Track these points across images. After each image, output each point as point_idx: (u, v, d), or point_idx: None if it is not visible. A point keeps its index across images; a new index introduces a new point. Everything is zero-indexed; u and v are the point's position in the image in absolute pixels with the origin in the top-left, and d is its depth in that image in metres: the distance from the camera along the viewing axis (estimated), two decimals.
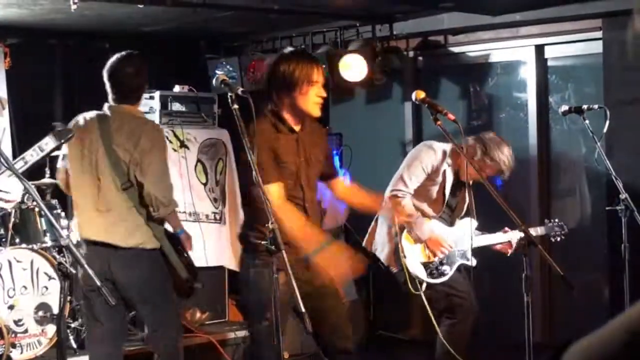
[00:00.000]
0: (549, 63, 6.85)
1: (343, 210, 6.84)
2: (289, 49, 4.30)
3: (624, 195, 4.85)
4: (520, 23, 6.63)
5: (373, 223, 5.39)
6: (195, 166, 6.77)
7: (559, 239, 5.55)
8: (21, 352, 5.30)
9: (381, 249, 5.29)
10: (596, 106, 5.14)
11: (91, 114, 4.59)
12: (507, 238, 5.25)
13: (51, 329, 5.36)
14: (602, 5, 5.96)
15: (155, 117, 6.50)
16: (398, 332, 7.32)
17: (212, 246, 6.74)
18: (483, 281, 6.33)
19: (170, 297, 4.63)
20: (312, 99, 3.98)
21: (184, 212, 6.53)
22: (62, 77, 7.15)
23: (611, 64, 6.11)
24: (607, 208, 5.52)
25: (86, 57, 7.24)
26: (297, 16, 6.78)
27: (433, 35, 7.16)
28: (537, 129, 6.81)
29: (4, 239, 5.52)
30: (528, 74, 6.88)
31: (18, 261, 5.36)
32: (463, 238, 5.23)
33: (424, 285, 5.14)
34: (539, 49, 6.79)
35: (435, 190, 5.21)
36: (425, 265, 5.19)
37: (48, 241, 5.62)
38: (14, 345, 5.26)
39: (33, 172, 4.15)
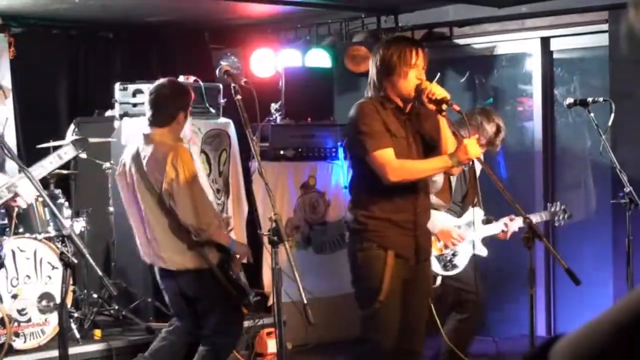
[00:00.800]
0: (555, 55, 6.82)
1: (347, 202, 6.80)
2: (391, 35, 4.30)
3: (628, 188, 4.84)
4: (526, 15, 6.60)
5: None
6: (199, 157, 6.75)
7: (562, 222, 5.52)
8: (24, 341, 5.30)
9: None
10: (601, 99, 5.11)
11: (132, 144, 4.76)
12: (516, 226, 5.19)
13: (54, 318, 5.36)
14: None
15: None
16: None
17: None
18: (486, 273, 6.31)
19: (225, 310, 4.70)
20: (412, 81, 3.99)
21: None
22: (66, 66, 7.14)
23: (617, 56, 6.09)
24: (611, 201, 5.51)
25: (90, 47, 7.25)
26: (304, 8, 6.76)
27: (438, 27, 7.14)
28: (542, 121, 6.80)
29: (7, 229, 5.52)
30: (533, 66, 6.86)
31: (21, 250, 5.36)
32: (471, 229, 5.19)
33: (439, 279, 5.07)
34: (545, 42, 6.77)
35: (440, 179, 5.16)
36: (439, 258, 5.14)
37: (52, 231, 5.62)
38: (17, 335, 5.26)
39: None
